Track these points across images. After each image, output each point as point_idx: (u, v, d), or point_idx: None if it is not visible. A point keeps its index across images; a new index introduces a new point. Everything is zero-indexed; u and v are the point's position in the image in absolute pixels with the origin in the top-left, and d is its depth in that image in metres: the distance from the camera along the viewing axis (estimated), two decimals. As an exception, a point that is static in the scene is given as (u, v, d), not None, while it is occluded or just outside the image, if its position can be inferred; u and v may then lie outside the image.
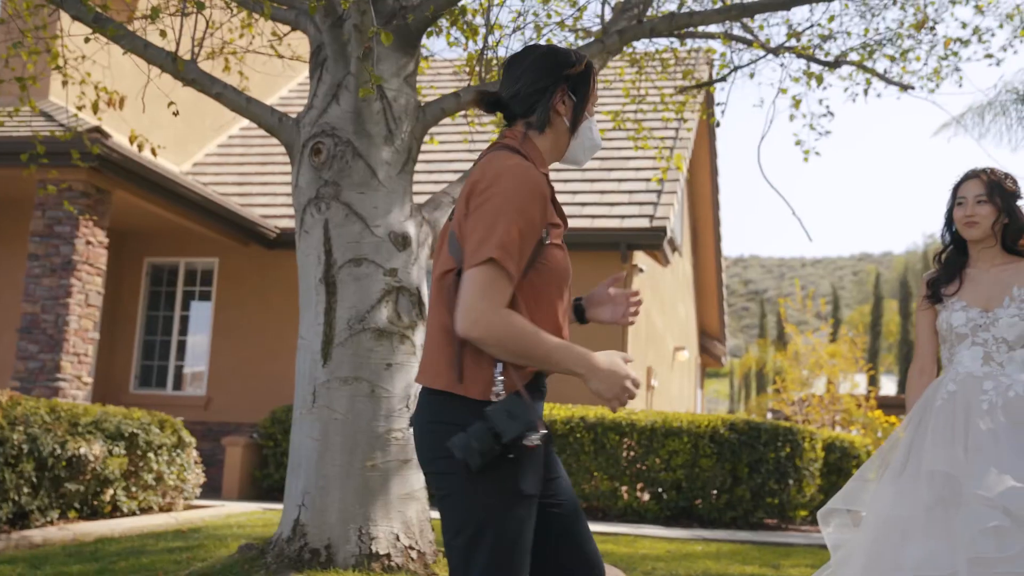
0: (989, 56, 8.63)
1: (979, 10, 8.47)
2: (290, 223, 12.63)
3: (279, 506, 7.03)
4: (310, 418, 5.67)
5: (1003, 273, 3.87)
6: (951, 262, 4.01)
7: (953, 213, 3.96)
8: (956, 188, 3.97)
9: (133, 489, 8.31)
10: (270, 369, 12.81)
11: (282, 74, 13.15)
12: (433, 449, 2.48)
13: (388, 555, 5.53)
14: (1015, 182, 3.94)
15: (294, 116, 6.23)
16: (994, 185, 3.86)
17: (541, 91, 2.64)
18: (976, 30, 8.57)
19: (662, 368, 16.58)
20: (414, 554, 5.61)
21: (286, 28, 7.44)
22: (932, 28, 8.83)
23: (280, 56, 7.79)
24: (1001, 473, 3.51)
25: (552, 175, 12.17)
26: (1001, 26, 8.65)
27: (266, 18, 5.79)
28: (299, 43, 8.44)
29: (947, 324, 3.88)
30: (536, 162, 2.64)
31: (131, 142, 7.66)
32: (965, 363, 3.81)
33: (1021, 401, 3.68)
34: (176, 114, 7.03)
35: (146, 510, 8.60)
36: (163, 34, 6.15)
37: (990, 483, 3.49)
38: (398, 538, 5.62)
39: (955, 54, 8.63)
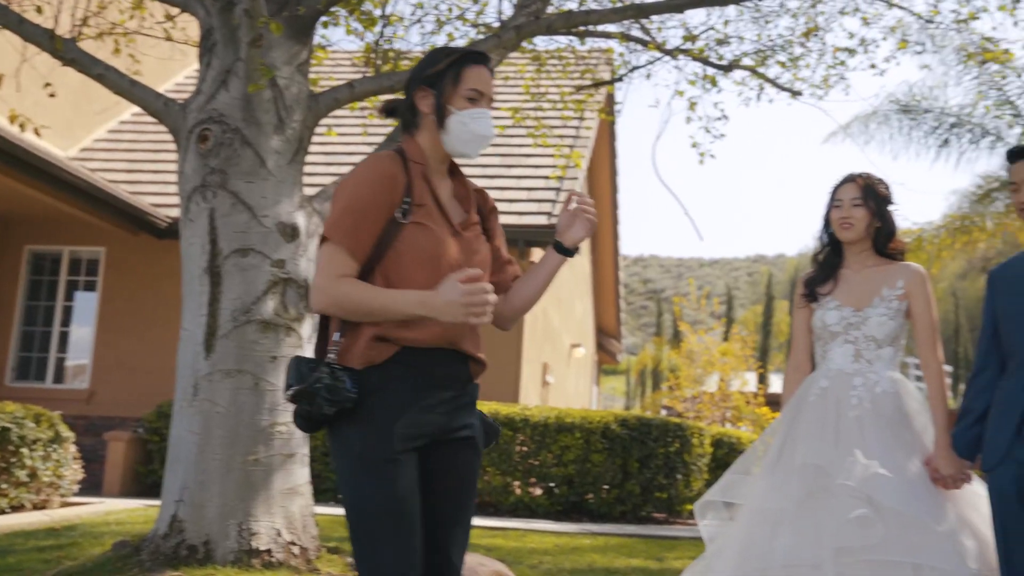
0: (873, 67, 8.89)
1: (865, 22, 8.75)
2: (170, 212, 12.34)
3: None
4: (191, 411, 5.55)
5: (874, 274, 4.00)
6: (827, 263, 4.13)
7: (830, 215, 4.07)
8: (834, 191, 4.08)
9: (4, 486, 7.99)
10: (157, 362, 12.43)
11: (177, 59, 12.81)
12: None
13: (269, 551, 5.44)
14: (887, 187, 4.08)
15: (182, 102, 6.08)
16: (869, 189, 3.99)
17: (407, 93, 2.90)
18: (863, 41, 8.84)
19: (558, 365, 16.69)
20: (296, 549, 5.53)
21: (176, 10, 7.26)
22: (821, 37, 9.07)
23: (171, 40, 7.58)
24: (866, 464, 3.63)
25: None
26: (885, 38, 8.92)
27: (153, -2, 5.62)
28: (194, 26, 8.25)
29: (821, 322, 4.00)
30: (413, 157, 2.87)
31: (11, 122, 7.37)
32: (836, 360, 3.94)
33: (887, 397, 3.83)
34: (52, 95, 6.80)
35: (18, 508, 8.27)
36: (39, 10, 5.93)
37: (856, 474, 3.61)
38: (280, 533, 5.53)
39: (842, 63, 8.88)
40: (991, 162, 16.08)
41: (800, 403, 3.97)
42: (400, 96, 3.00)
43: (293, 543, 5.54)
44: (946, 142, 16.01)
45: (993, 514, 3.59)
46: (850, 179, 4.06)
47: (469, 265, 2.79)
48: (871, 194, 3.98)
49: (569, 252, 3.01)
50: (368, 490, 2.69)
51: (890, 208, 4.05)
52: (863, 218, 3.97)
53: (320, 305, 2.73)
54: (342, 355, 2.76)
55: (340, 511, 7.79)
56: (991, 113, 15.08)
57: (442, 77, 2.84)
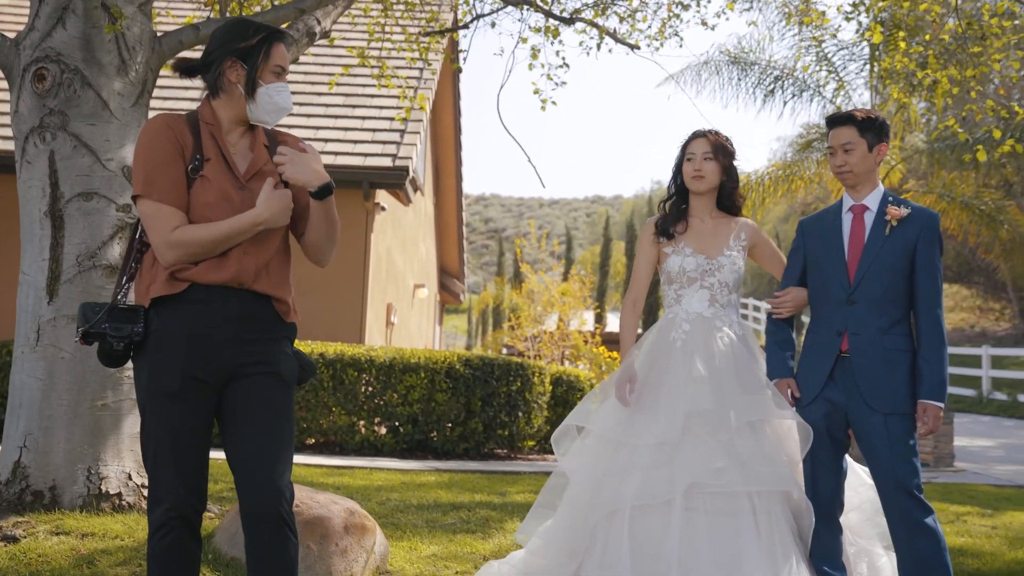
0: (704, 24, 9.26)
1: (698, -23, 9.08)
2: (6, 145, 11.77)
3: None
4: (33, 357, 5.45)
5: (720, 225, 4.32)
6: (674, 210, 4.38)
7: (682, 167, 4.33)
8: (686, 145, 4.35)
9: None
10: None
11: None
12: None
13: (119, 494, 5.44)
14: (733, 145, 4.37)
15: (12, 36, 5.85)
16: (718, 145, 4.28)
17: (215, 61, 3.12)
18: (695, -5, 9.18)
19: (402, 305, 16.79)
20: (147, 492, 5.54)
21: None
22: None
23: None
24: (731, 409, 3.94)
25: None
26: (716, -6, 9.27)
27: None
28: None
29: (679, 267, 4.26)
30: (205, 118, 3.16)
31: None
32: (694, 305, 4.23)
33: (742, 340, 4.18)
34: None
35: None
36: None
37: (720, 418, 3.92)
38: (130, 477, 5.53)
39: (677, 16, 9.20)
40: (811, 113, 16.92)
41: (661, 343, 4.24)
42: (195, 57, 3.22)
43: (144, 486, 5.55)
44: (771, 93, 16.72)
45: (803, 444, 3.97)
46: (702, 135, 4.32)
47: None
48: (720, 150, 4.27)
49: (320, 194, 3.18)
50: (152, 420, 3.03)
51: (735, 164, 4.36)
52: (713, 171, 4.26)
53: (171, 260, 2.96)
54: (137, 295, 3.08)
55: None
56: (809, 70, 15.80)
57: (254, 52, 3.12)
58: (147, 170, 3.01)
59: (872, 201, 4.06)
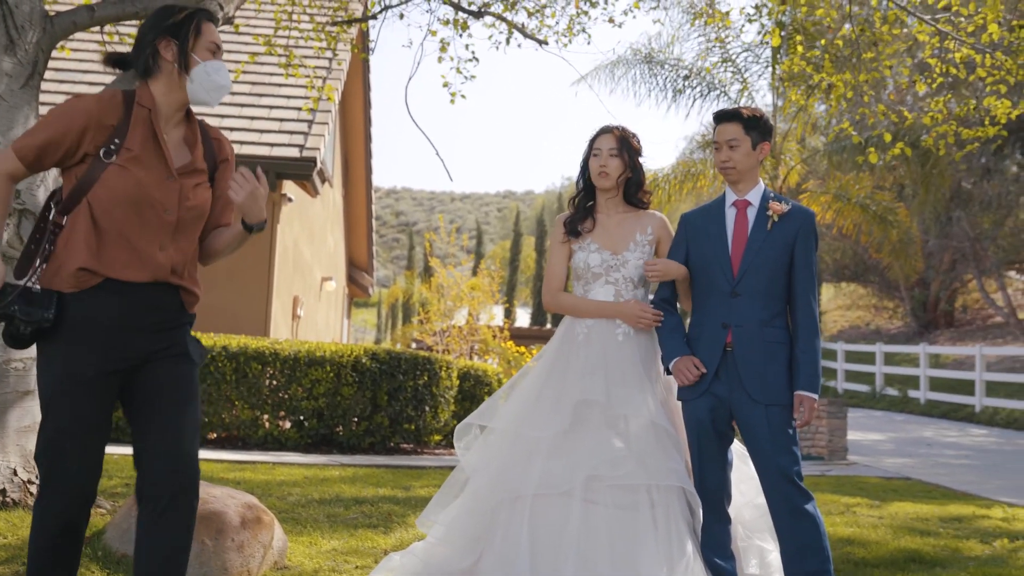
0: (611, 21, 9.34)
1: (605, -25, 9.16)
2: None
3: None
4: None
5: (626, 220, 4.32)
6: (582, 205, 4.38)
7: (588, 163, 4.33)
8: (592, 141, 4.34)
9: None
10: None
11: None
12: None
13: (3, 490, 5.24)
14: (639, 141, 4.39)
15: None
16: (624, 141, 4.28)
17: (144, 44, 3.10)
18: (604, -7, 9.25)
19: (309, 298, 16.60)
20: (34, 488, 5.35)
21: None
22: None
23: None
24: (630, 395, 3.97)
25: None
26: (624, -8, 9.37)
27: None
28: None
29: (584, 264, 4.26)
30: (142, 101, 3.08)
31: None
32: (599, 299, 4.23)
33: (643, 334, 4.19)
34: None
35: None
36: None
37: (626, 404, 3.95)
38: (16, 472, 5.33)
39: (585, 13, 9.26)
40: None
41: (566, 340, 4.24)
42: (123, 50, 3.20)
43: (31, 482, 5.37)
44: (680, 91, 16.96)
45: (690, 438, 4.03)
46: (608, 131, 4.31)
47: (180, 209, 3.08)
48: (626, 146, 4.27)
49: (252, 229, 3.21)
50: (59, 407, 2.98)
51: (640, 160, 4.37)
52: (618, 167, 4.26)
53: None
54: (48, 278, 3.01)
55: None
56: (714, 71, 16.08)
57: (183, 28, 3.08)
58: (34, 129, 3.04)
59: (754, 197, 4.14)
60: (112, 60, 3.19)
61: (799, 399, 3.92)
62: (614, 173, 4.27)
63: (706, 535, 3.94)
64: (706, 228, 4.16)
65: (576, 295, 4.31)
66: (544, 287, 4.42)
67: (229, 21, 7.18)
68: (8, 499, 5.25)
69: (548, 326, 43.41)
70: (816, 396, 3.94)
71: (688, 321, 4.22)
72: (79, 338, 2.97)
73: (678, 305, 4.32)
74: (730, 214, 4.15)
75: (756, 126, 4.09)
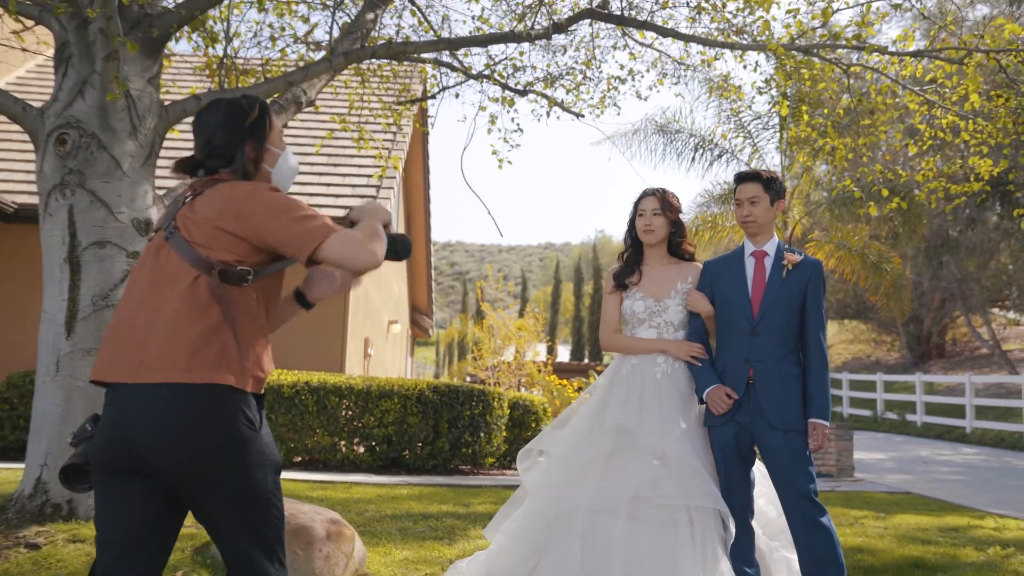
0: (639, 95, 9.43)
1: (632, 57, 9.25)
2: (29, 199, 11.65)
3: (16, 466, 6.56)
4: (53, 386, 5.37)
5: (669, 271, 4.31)
6: (631, 259, 4.38)
7: (635, 222, 4.34)
8: (637, 203, 4.35)
9: None
10: (8, 337, 11.75)
11: (17, 56, 12.05)
12: None
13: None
14: (678, 201, 4.40)
15: (38, 106, 5.81)
16: (665, 202, 4.29)
17: (234, 145, 2.69)
18: (630, 72, 9.34)
19: (378, 339, 16.72)
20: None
21: (31, 22, 6.90)
22: (598, 66, 9.53)
23: (26, 50, 7.18)
24: (663, 424, 3.97)
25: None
26: (648, 71, 9.47)
27: (11, 14, 5.36)
28: (42, 30, 7.80)
29: (630, 310, 4.28)
30: None
31: None
32: (646, 338, 4.24)
33: (681, 371, 4.17)
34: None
35: None
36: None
37: (655, 434, 3.94)
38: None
39: (615, 89, 9.35)
40: (729, 173, 17.17)
41: (614, 375, 4.25)
42: (187, 154, 2.78)
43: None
44: (694, 159, 16.97)
45: (717, 461, 4.02)
46: (651, 193, 4.32)
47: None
48: (667, 206, 4.29)
49: (308, 306, 2.91)
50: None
51: (681, 217, 4.40)
52: (662, 225, 4.27)
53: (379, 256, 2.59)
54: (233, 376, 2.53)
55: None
56: (728, 138, 16.08)
57: (260, 126, 2.75)
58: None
59: (770, 248, 4.17)
60: (186, 168, 2.73)
61: (812, 426, 3.92)
62: (659, 231, 4.28)
63: (733, 546, 3.92)
64: (727, 275, 4.18)
65: (627, 335, 4.32)
66: (601, 330, 4.43)
67: (311, 104, 7.37)
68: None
69: (586, 361, 43.21)
70: (827, 423, 3.94)
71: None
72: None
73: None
74: (749, 263, 4.17)
75: (773, 186, 4.14)
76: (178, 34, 7.47)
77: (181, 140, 12.63)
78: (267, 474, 2.44)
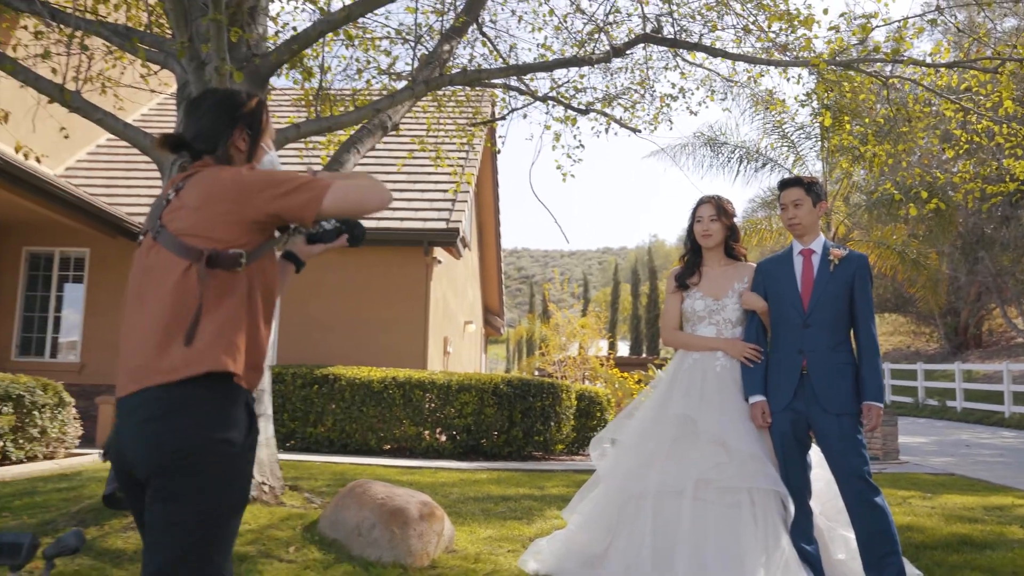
0: (690, 111, 9.34)
1: (683, 76, 9.18)
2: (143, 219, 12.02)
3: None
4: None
5: (727, 272, 4.28)
6: (691, 261, 4.36)
7: (693, 228, 4.32)
8: (695, 209, 4.33)
9: (21, 441, 7.79)
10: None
11: (144, 95, 12.45)
12: None
13: (244, 490, 5.47)
14: (733, 207, 4.37)
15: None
16: (720, 208, 4.26)
17: (220, 131, 2.34)
18: (681, 90, 9.26)
19: (455, 338, 16.83)
20: (267, 488, 5.58)
21: (156, 66, 7.14)
22: (651, 85, 9.47)
23: (153, 91, 7.43)
24: (722, 416, 3.93)
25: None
26: (698, 88, 9.38)
27: (142, 60, 5.56)
28: (166, 73, 8.08)
29: (691, 309, 4.25)
30: None
31: (17, 151, 7.17)
32: (705, 336, 4.21)
33: (739, 367, 4.12)
34: (67, 137, 6.66)
35: (32, 458, 8.08)
36: (54, 71, 5.79)
37: (715, 423, 3.91)
38: (252, 476, 5.55)
39: (668, 106, 9.28)
40: (773, 180, 16.90)
41: (677, 370, 4.22)
42: (167, 132, 2.47)
43: (264, 483, 5.58)
44: (740, 169, 16.74)
45: (775, 447, 3.97)
46: (707, 200, 4.30)
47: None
48: (722, 212, 4.26)
49: (300, 265, 2.59)
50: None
51: (735, 221, 4.37)
52: (718, 230, 4.25)
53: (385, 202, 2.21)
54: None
55: (297, 457, 7.84)
56: (773, 148, 15.83)
57: (256, 117, 2.41)
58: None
59: (816, 246, 4.10)
60: (171, 143, 2.33)
61: (867, 408, 3.83)
62: (715, 235, 4.26)
63: (793, 525, 3.87)
64: (778, 273, 4.13)
65: (687, 333, 4.30)
66: (662, 327, 4.40)
67: (396, 128, 7.47)
68: (250, 496, 5.44)
69: (644, 355, 42.86)
70: (881, 405, 3.85)
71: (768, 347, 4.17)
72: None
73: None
74: (798, 261, 4.11)
75: (814, 189, 4.10)
76: (279, 70, 7.67)
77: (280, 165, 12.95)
78: (224, 502, 2.01)
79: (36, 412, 7.91)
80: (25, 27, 6.45)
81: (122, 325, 2.19)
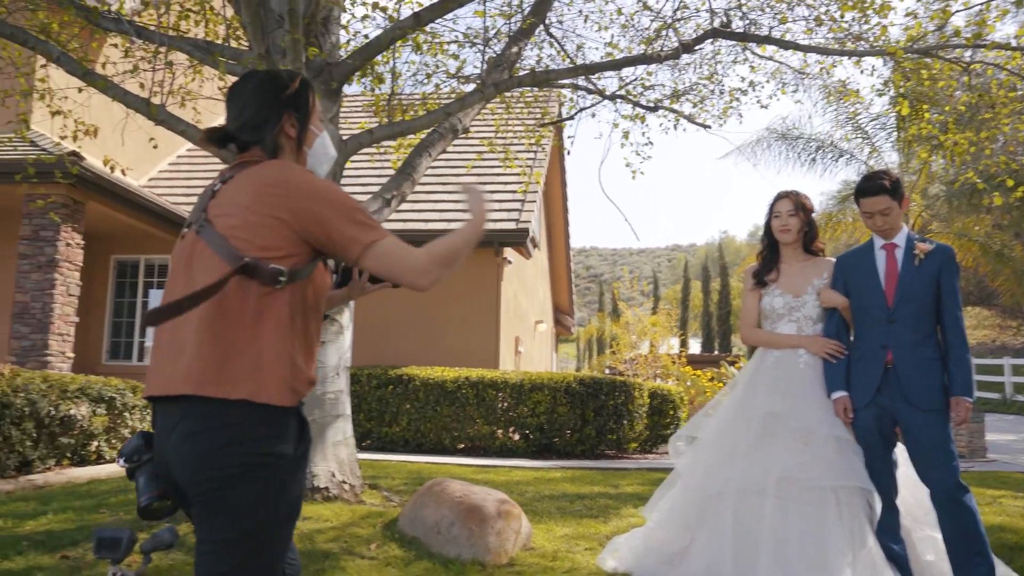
0: (760, 104, 9.19)
1: (753, 70, 9.04)
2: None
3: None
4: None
5: (806, 268, 4.21)
6: (768, 258, 4.30)
7: (771, 223, 4.26)
8: (772, 205, 4.26)
9: (113, 441, 8.12)
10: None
11: (221, 107, 12.83)
12: None
13: (327, 488, 5.60)
14: (810, 202, 4.30)
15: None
16: (799, 204, 4.20)
17: (267, 119, 2.13)
18: (751, 83, 9.12)
19: (527, 337, 16.88)
20: (347, 486, 5.69)
21: (233, 77, 7.36)
22: (720, 80, 9.34)
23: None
24: (808, 409, 3.88)
25: (438, 186, 12.39)
26: (768, 81, 9.22)
27: (222, 74, 5.74)
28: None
29: (770, 306, 4.19)
30: None
31: (105, 164, 7.48)
32: (785, 333, 4.15)
33: (820, 363, 4.05)
34: (156, 147, 6.92)
35: (123, 459, 8.40)
36: (142, 86, 6.03)
37: (801, 418, 3.86)
38: (334, 475, 5.69)
39: (737, 100, 9.15)
40: (848, 172, 16.50)
41: (758, 367, 4.17)
42: (217, 125, 2.25)
43: (344, 482, 5.70)
44: (814, 160, 16.39)
45: (860, 443, 3.88)
46: (786, 196, 4.23)
47: None
48: (801, 207, 4.20)
49: (340, 285, 2.40)
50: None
51: (813, 216, 4.29)
52: (797, 226, 4.18)
53: (433, 280, 2.00)
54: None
55: (374, 456, 7.92)
56: (847, 140, 15.45)
57: (302, 98, 2.20)
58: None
59: (900, 239, 3.98)
60: (216, 139, 2.17)
61: (956, 402, 3.71)
62: (794, 230, 4.19)
63: (880, 524, 3.78)
64: (859, 267, 4.02)
65: (767, 331, 4.24)
66: (741, 325, 4.35)
67: (466, 131, 7.54)
68: (330, 494, 5.60)
69: (716, 352, 42.27)
70: (971, 399, 3.72)
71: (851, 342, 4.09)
72: None
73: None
74: (880, 256, 4.00)
75: (898, 190, 3.94)
76: (351, 79, 7.82)
77: (352, 169, 13.17)
78: (277, 517, 1.91)
79: (127, 413, 8.23)
80: (115, 45, 6.73)
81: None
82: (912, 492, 4.01)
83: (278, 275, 1.93)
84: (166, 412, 1.93)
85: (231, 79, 7.57)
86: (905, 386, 3.77)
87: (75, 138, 7.17)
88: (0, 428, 6.58)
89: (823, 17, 8.24)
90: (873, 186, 3.92)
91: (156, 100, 5.96)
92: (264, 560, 1.91)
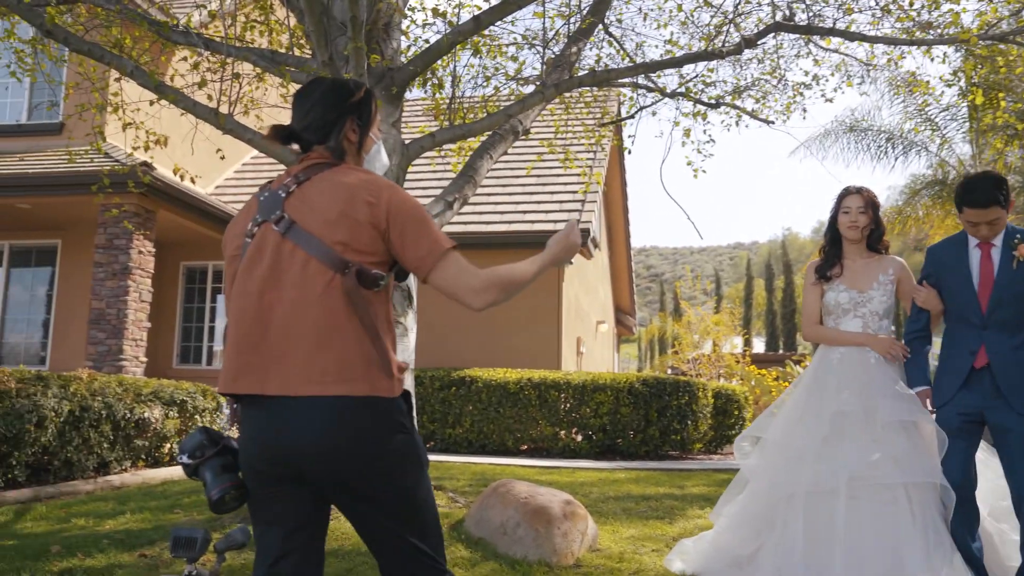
0: (824, 97, 9.00)
1: (816, 63, 8.87)
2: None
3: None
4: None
5: (870, 264, 4.14)
6: (831, 253, 4.24)
7: (838, 218, 4.19)
8: (841, 200, 4.20)
9: (185, 444, 8.36)
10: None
11: (286, 113, 13.09)
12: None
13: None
14: (878, 199, 4.22)
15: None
16: (869, 201, 4.14)
17: (332, 122, 2.24)
18: (815, 77, 8.93)
19: (588, 338, 16.84)
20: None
21: (296, 85, 7.50)
22: (782, 75, 9.18)
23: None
24: (879, 411, 3.80)
25: (498, 188, 12.45)
26: (832, 74, 9.03)
27: (287, 83, 5.86)
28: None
29: (835, 301, 4.13)
30: None
31: (175, 173, 7.70)
32: (850, 331, 4.09)
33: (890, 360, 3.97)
34: (223, 158, 7.11)
35: (195, 460, 8.63)
36: (210, 97, 6.20)
37: (873, 412, 3.78)
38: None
39: (800, 94, 8.98)
40: (918, 165, 16.07)
41: (823, 364, 4.10)
42: (282, 124, 2.32)
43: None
44: (885, 153, 15.99)
45: (940, 440, 3.76)
46: (856, 191, 4.18)
47: None
48: (871, 204, 4.14)
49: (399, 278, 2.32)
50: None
51: (880, 214, 4.22)
52: (865, 222, 4.13)
53: (487, 302, 2.10)
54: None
55: (437, 458, 7.92)
56: (917, 132, 15.06)
57: (366, 106, 2.31)
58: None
59: (997, 238, 3.78)
60: (282, 135, 2.25)
61: None
62: (862, 227, 4.13)
63: (956, 523, 3.66)
64: (950, 264, 3.86)
65: (830, 327, 4.17)
66: (803, 322, 4.29)
67: (527, 132, 7.56)
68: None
69: (781, 351, 41.55)
70: None
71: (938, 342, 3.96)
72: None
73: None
74: (975, 254, 3.81)
75: (1008, 197, 3.72)
76: (412, 84, 7.91)
77: (412, 173, 13.31)
78: (425, 477, 2.13)
79: (197, 416, 8.45)
80: (184, 58, 6.94)
81: (242, 319, 2.08)
82: (993, 494, 3.89)
83: (379, 279, 2.05)
84: (288, 409, 2.00)
85: (295, 87, 7.74)
86: (1004, 388, 3.61)
87: (147, 148, 7.40)
88: (80, 430, 6.83)
89: (890, 6, 8.05)
90: (983, 198, 3.67)
91: (223, 109, 6.11)
92: (435, 509, 2.16)
